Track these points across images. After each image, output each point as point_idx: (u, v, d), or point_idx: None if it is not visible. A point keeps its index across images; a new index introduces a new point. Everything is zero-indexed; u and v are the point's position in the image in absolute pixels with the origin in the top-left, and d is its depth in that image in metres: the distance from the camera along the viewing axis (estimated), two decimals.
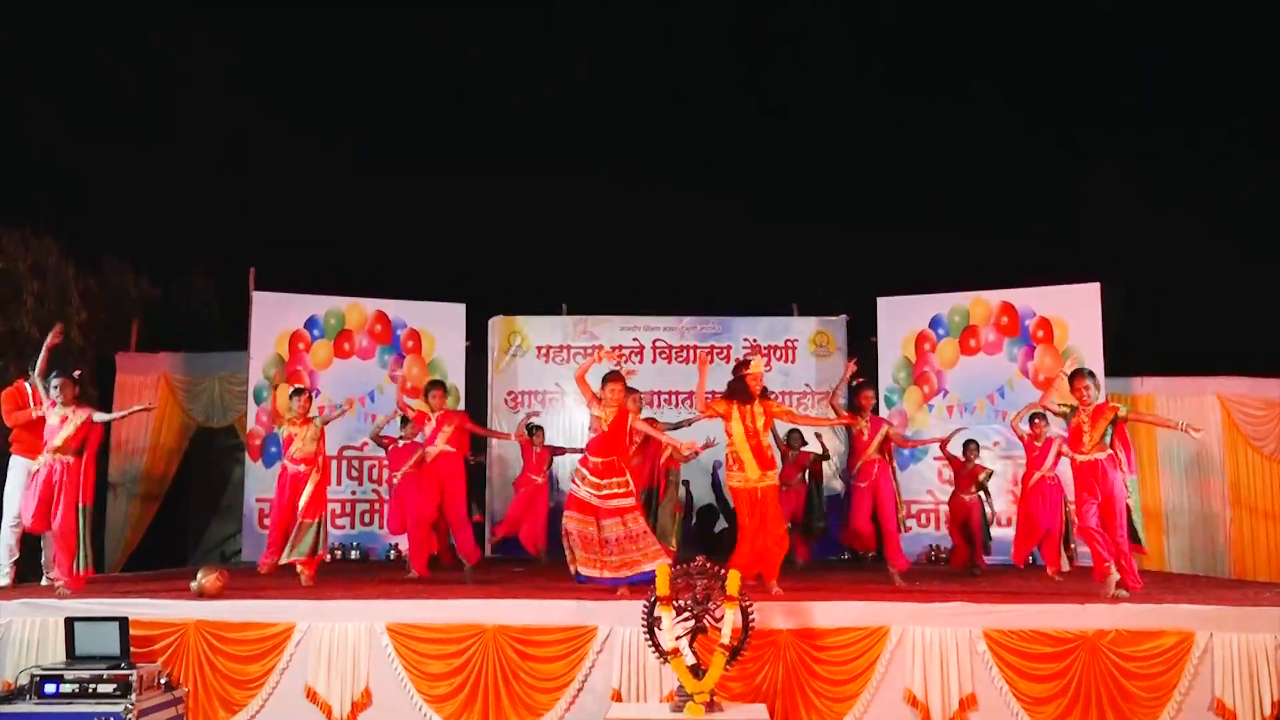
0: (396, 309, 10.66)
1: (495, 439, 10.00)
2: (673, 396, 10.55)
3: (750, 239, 13.55)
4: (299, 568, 7.15)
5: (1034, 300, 10.16)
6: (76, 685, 5.06)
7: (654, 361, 10.71)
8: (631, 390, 6.95)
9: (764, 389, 6.59)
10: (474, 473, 8.92)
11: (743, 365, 6.62)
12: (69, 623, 5.38)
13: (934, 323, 10.46)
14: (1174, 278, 11.94)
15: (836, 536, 8.94)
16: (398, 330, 10.60)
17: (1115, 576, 6.15)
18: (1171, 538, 10.14)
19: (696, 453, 6.98)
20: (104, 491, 9.46)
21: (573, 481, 6.65)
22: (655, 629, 5.11)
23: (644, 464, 7.83)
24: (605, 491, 6.45)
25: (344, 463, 10.16)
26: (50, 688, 5.07)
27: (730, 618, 5.09)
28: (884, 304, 10.63)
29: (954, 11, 13.73)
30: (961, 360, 10.30)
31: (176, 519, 10.65)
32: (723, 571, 5.20)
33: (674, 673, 5.08)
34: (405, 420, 8.16)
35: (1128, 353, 10.12)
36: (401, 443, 8.13)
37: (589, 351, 9.00)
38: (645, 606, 5.17)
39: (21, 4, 11.81)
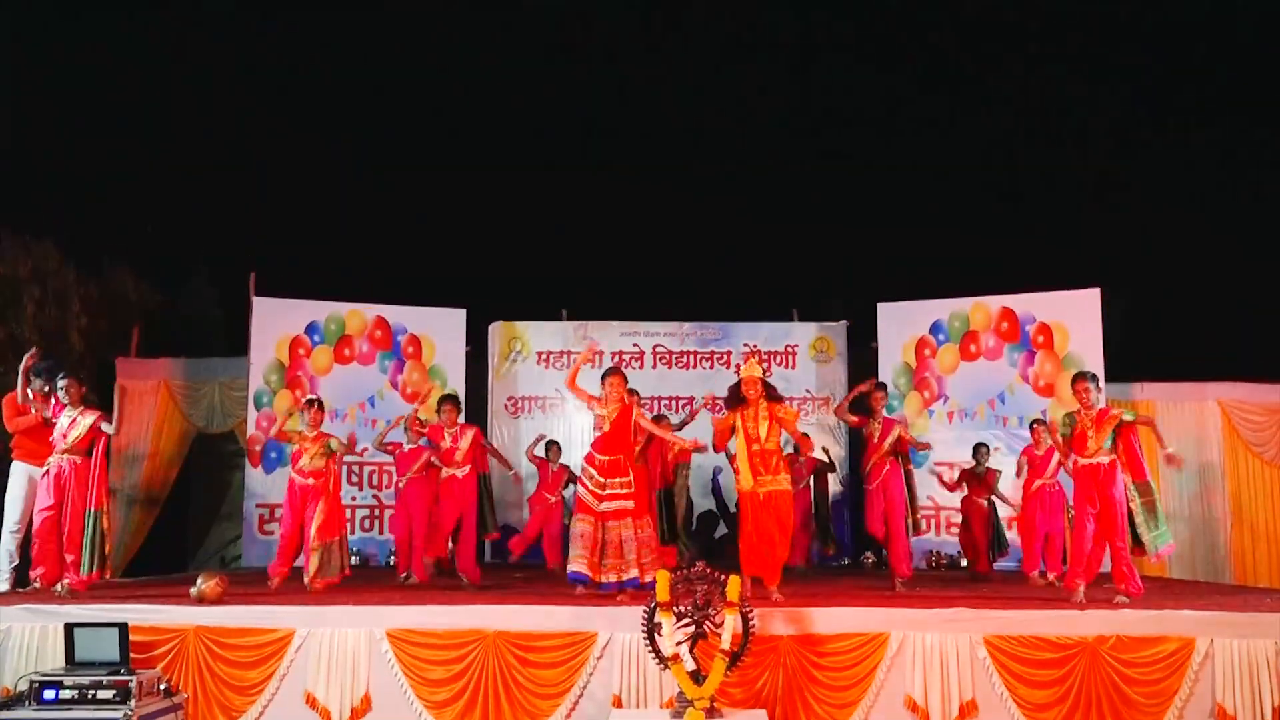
0: (397, 314, 10.66)
1: (498, 461, 9.28)
2: (673, 402, 10.54)
3: (750, 245, 13.58)
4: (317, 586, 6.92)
5: (1034, 306, 10.17)
6: (76, 691, 5.04)
7: (654, 367, 10.73)
8: (631, 391, 6.90)
9: (773, 391, 6.51)
10: (481, 484, 8.82)
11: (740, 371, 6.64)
12: (68, 628, 5.37)
13: (934, 328, 10.47)
14: (1174, 283, 11.92)
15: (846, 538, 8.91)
16: (398, 336, 10.61)
17: (1081, 596, 6.22)
18: None
19: (699, 449, 6.93)
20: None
21: (579, 482, 6.58)
22: (655, 635, 5.10)
23: (654, 464, 7.78)
24: (608, 491, 6.38)
25: (344, 469, 10.10)
26: (50, 693, 5.05)
27: (730, 623, 5.09)
28: (884, 309, 10.64)
29: (954, 14, 13.77)
30: (962, 366, 10.31)
31: (176, 524, 10.65)
32: (723, 577, 5.20)
33: (674, 679, 5.07)
34: (408, 428, 8.11)
35: (1128, 358, 10.12)
36: (407, 447, 8.09)
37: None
38: (645, 612, 5.16)
39: (21, 4, 11.84)
